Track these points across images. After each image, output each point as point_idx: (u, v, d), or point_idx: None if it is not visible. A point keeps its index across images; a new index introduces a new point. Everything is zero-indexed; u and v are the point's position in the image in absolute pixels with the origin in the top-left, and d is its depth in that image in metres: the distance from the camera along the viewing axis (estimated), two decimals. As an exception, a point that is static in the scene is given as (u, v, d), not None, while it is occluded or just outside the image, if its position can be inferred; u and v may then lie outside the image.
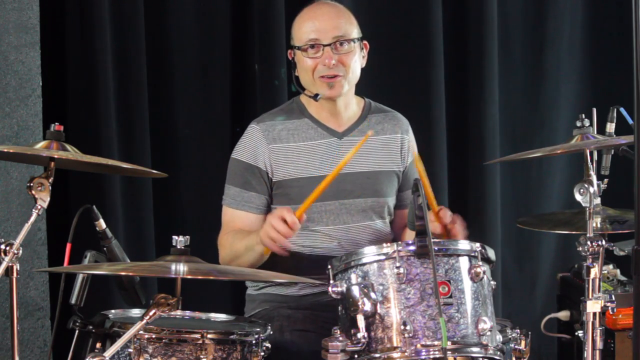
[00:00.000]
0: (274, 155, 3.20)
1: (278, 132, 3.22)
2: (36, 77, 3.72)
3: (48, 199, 2.56)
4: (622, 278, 3.95)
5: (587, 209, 2.80)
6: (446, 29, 4.46)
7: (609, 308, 2.81)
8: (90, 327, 2.81)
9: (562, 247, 4.72)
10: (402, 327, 2.56)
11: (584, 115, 2.99)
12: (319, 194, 2.97)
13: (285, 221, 2.88)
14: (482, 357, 2.62)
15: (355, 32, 3.21)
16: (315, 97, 3.19)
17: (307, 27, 3.18)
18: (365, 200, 3.24)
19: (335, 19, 3.18)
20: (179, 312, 2.85)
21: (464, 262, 2.66)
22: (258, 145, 3.20)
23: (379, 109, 3.35)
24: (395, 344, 2.58)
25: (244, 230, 3.15)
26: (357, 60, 3.21)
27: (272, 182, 3.20)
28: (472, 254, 2.68)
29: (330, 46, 3.15)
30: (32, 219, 2.54)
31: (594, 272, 2.80)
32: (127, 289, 2.93)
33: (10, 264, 2.49)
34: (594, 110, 3.39)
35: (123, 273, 2.85)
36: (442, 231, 2.97)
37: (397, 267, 2.60)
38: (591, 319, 2.79)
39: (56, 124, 2.67)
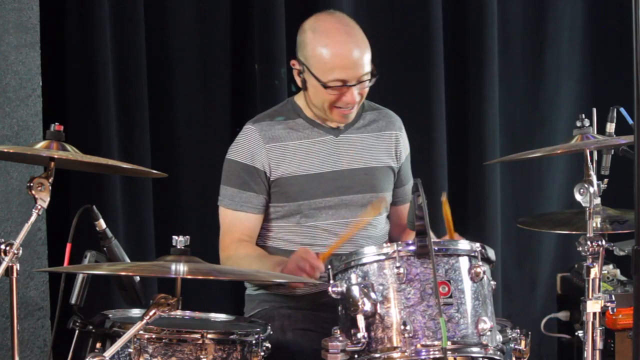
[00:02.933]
0: (272, 154, 3.20)
1: (275, 132, 3.22)
2: (36, 77, 3.72)
3: (48, 199, 2.56)
4: (622, 278, 3.95)
5: (587, 209, 2.80)
6: (446, 29, 4.46)
7: (609, 308, 2.81)
8: (90, 327, 2.81)
9: (562, 247, 4.72)
10: (402, 327, 2.56)
11: (584, 115, 2.99)
12: (342, 242, 3.05)
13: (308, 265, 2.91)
14: (482, 357, 2.62)
15: (370, 59, 3.15)
16: (337, 128, 3.24)
17: (332, 64, 3.09)
18: (364, 196, 3.24)
19: (360, 58, 3.10)
20: (179, 312, 2.85)
21: (464, 262, 2.66)
22: (255, 145, 3.20)
23: (372, 107, 3.36)
24: (395, 344, 2.58)
25: (251, 245, 3.16)
26: None
27: (271, 181, 3.20)
28: (472, 254, 2.68)
29: (356, 85, 3.12)
30: (32, 219, 2.54)
31: (594, 272, 2.80)
32: (127, 289, 2.93)
33: (10, 264, 2.48)
34: (594, 110, 3.39)
35: (123, 273, 2.85)
36: None
37: (397, 267, 2.60)
38: (591, 319, 2.79)
39: (56, 124, 2.67)
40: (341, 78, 3.10)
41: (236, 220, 3.20)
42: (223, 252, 3.20)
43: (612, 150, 3.53)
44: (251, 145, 3.21)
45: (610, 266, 3.96)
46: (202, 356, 2.69)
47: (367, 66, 3.12)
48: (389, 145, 3.33)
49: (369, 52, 3.14)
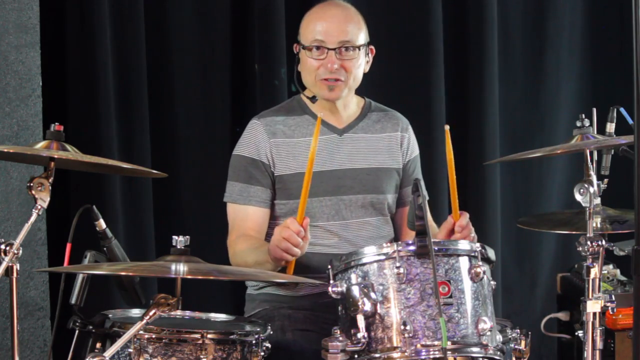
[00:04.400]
0: (275, 150, 3.20)
1: (279, 128, 3.23)
2: (36, 77, 3.72)
3: (48, 199, 2.56)
4: (622, 278, 3.95)
5: (587, 209, 2.80)
6: (446, 29, 4.46)
7: (609, 308, 2.81)
8: (90, 327, 2.81)
9: (562, 247, 4.72)
10: (402, 327, 2.56)
11: (584, 115, 2.99)
12: (306, 193, 2.96)
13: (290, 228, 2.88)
14: (482, 357, 2.62)
15: (362, 38, 3.20)
16: (312, 98, 3.24)
17: (314, 27, 3.18)
18: (365, 197, 3.24)
19: (343, 23, 3.18)
20: (179, 312, 2.84)
21: (464, 262, 2.66)
22: (260, 139, 3.21)
23: (379, 108, 3.36)
24: (395, 344, 2.58)
25: (253, 238, 3.15)
26: (360, 66, 3.21)
27: (274, 176, 3.20)
28: (472, 254, 2.68)
29: (334, 50, 3.15)
30: (32, 219, 2.54)
31: (594, 272, 2.80)
32: (127, 289, 2.93)
33: (10, 264, 2.48)
34: (594, 110, 3.39)
35: (123, 273, 2.85)
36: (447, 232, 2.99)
37: (397, 267, 2.60)
38: (591, 319, 2.79)
39: (56, 124, 2.67)
40: (320, 38, 3.16)
41: (243, 215, 3.19)
42: (230, 248, 3.20)
43: (612, 150, 3.53)
44: (256, 140, 3.21)
45: (610, 266, 3.96)
46: (202, 356, 2.69)
47: (349, 34, 3.17)
48: (394, 146, 3.33)
49: (358, 26, 3.20)
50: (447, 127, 2.97)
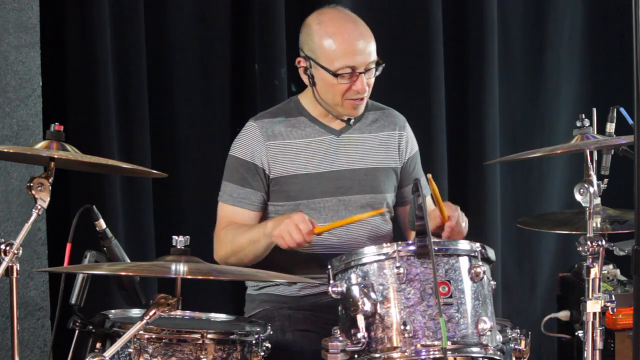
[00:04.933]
0: (272, 152, 3.20)
1: (276, 130, 3.22)
2: (36, 77, 3.72)
3: (48, 199, 2.56)
4: (622, 278, 3.95)
5: (587, 209, 2.80)
6: (446, 29, 4.46)
7: (609, 308, 2.81)
8: (90, 327, 2.81)
9: (562, 247, 4.72)
10: (402, 327, 2.56)
11: (584, 115, 2.99)
12: (346, 223, 3.05)
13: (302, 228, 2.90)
14: (482, 357, 2.62)
15: (375, 48, 3.17)
16: (347, 121, 3.23)
17: (341, 51, 3.11)
18: (364, 197, 3.24)
19: (366, 44, 3.13)
20: (179, 312, 2.85)
21: (464, 262, 2.66)
22: (255, 142, 3.20)
23: (375, 107, 3.36)
24: (395, 344, 2.58)
25: (246, 225, 3.15)
26: None
27: (270, 179, 3.20)
28: (472, 254, 2.68)
29: (364, 73, 3.13)
30: (32, 219, 2.54)
31: (594, 272, 2.80)
32: (127, 289, 2.93)
33: (10, 264, 2.48)
34: (594, 110, 3.39)
35: (123, 273, 2.85)
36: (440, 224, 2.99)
37: (397, 267, 2.60)
38: (591, 319, 2.79)
39: (56, 124, 2.67)
40: (350, 65, 3.11)
41: (232, 216, 3.19)
42: (215, 240, 3.19)
43: (612, 150, 3.53)
44: (251, 142, 3.21)
45: (610, 266, 3.96)
46: (202, 356, 2.69)
47: (373, 54, 3.15)
48: (391, 145, 3.32)
49: (374, 42, 3.17)
50: (429, 175, 2.95)
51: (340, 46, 3.12)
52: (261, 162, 3.19)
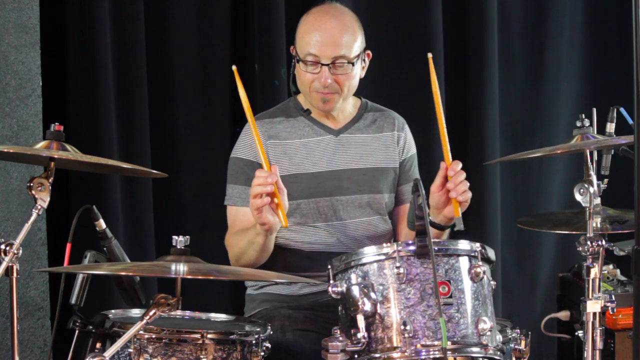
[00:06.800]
0: (272, 152, 3.20)
1: (275, 129, 3.23)
2: (36, 77, 3.72)
3: (48, 199, 2.56)
4: (622, 278, 3.96)
5: (587, 209, 2.80)
6: (446, 29, 4.46)
7: (609, 308, 2.81)
8: (90, 327, 2.81)
9: (562, 247, 4.72)
10: (402, 327, 2.56)
11: (584, 115, 2.99)
12: None
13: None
14: (482, 357, 2.62)
15: (357, 48, 3.15)
16: (306, 111, 3.25)
17: (309, 39, 3.13)
18: (362, 197, 3.24)
19: (338, 36, 3.12)
20: (179, 312, 2.85)
21: (464, 262, 2.66)
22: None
23: (375, 108, 3.36)
24: (395, 344, 2.58)
25: (246, 228, 3.15)
26: (355, 76, 3.18)
27: (272, 178, 3.20)
28: (472, 254, 2.68)
29: (328, 66, 3.12)
30: (32, 219, 2.54)
31: (594, 272, 2.80)
32: (127, 289, 2.93)
33: (10, 264, 2.48)
34: (594, 110, 3.38)
35: (123, 273, 2.85)
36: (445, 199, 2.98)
37: (397, 267, 2.60)
38: (591, 319, 2.79)
39: (56, 124, 2.67)
40: (313, 52, 3.12)
41: (242, 216, 3.18)
42: (227, 245, 3.19)
43: (612, 150, 3.53)
44: (252, 142, 3.20)
45: (610, 266, 3.96)
46: (202, 356, 2.69)
47: (345, 50, 3.12)
48: (390, 146, 3.32)
49: (356, 39, 3.15)
50: (429, 55, 2.94)
51: (309, 33, 3.14)
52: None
